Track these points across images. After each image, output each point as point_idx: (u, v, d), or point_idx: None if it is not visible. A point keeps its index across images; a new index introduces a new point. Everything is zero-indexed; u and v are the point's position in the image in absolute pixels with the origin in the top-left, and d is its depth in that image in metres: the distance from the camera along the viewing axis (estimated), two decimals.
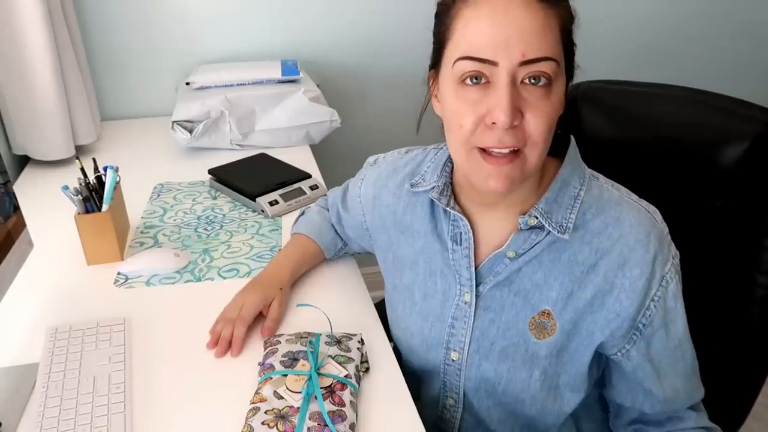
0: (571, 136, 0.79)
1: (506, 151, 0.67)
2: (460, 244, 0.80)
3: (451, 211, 0.80)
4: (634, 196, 0.77)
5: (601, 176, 0.79)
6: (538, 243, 0.76)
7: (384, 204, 0.90)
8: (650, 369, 0.77)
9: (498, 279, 0.78)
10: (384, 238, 0.91)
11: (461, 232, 0.80)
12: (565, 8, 0.68)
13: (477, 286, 0.80)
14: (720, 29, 2.12)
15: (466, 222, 0.79)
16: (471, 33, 0.66)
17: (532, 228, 0.76)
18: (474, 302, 0.80)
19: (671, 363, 0.77)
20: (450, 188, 0.81)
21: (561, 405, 0.80)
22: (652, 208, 0.77)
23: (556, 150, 0.77)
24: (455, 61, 0.67)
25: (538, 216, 0.74)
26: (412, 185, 0.85)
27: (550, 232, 0.75)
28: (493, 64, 0.65)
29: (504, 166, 0.68)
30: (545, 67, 0.65)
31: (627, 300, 0.73)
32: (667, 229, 0.76)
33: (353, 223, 1.00)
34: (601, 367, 0.82)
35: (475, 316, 0.80)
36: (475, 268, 0.80)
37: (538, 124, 0.66)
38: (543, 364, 0.78)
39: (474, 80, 0.67)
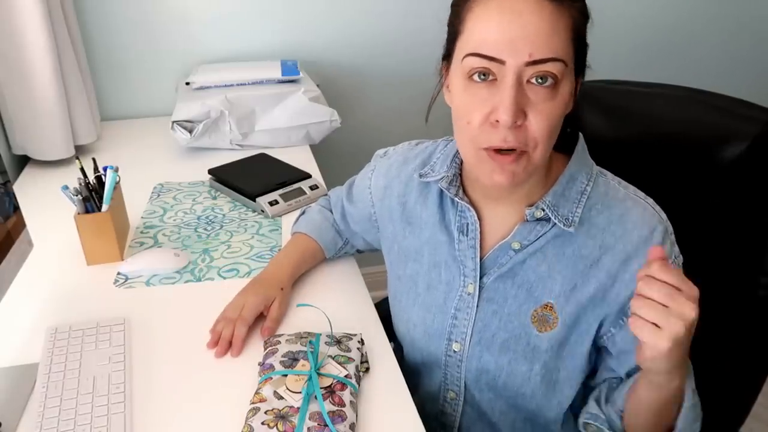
0: (580, 133, 0.80)
1: (510, 149, 0.68)
2: (467, 235, 0.81)
3: (459, 201, 0.81)
4: (641, 194, 0.78)
5: (608, 173, 0.80)
6: (543, 235, 0.77)
7: (394, 194, 0.91)
8: (631, 357, 0.77)
9: (502, 270, 0.79)
10: (390, 229, 0.92)
11: (468, 223, 0.81)
12: (578, 8, 0.68)
13: (481, 277, 0.81)
14: (721, 29, 2.12)
15: (474, 213, 0.80)
16: (481, 30, 0.67)
17: (538, 220, 0.77)
18: (477, 293, 0.81)
19: None
20: (459, 179, 0.83)
21: (560, 400, 0.81)
22: (658, 207, 0.77)
23: (565, 146, 0.78)
24: (464, 57, 0.68)
25: (545, 208, 0.75)
26: (421, 175, 0.86)
27: (555, 224, 0.76)
28: (501, 62, 0.65)
29: (509, 164, 0.69)
30: (552, 67, 0.65)
31: (624, 290, 0.75)
32: (671, 229, 0.77)
33: (360, 216, 1.00)
34: (593, 359, 0.82)
35: (477, 307, 0.81)
36: (480, 260, 0.80)
37: (541, 125, 0.67)
38: (544, 357, 0.78)
39: (482, 77, 0.68)
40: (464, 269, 0.82)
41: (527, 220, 0.77)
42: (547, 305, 0.78)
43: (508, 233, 0.79)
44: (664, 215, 0.77)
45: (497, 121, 0.67)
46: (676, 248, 0.77)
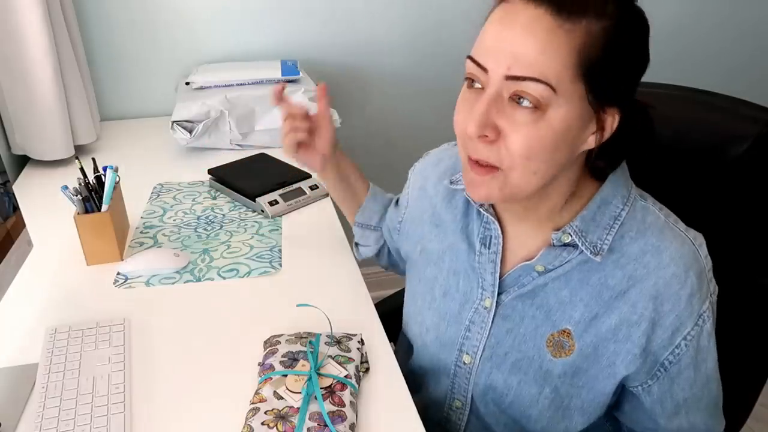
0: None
1: (481, 160, 0.67)
2: (488, 248, 0.79)
3: (485, 213, 0.79)
4: (681, 225, 0.73)
5: (649, 197, 0.76)
6: (568, 261, 0.74)
7: (426, 195, 0.91)
8: (670, 405, 0.75)
9: (522, 291, 0.77)
10: (419, 231, 0.91)
11: (491, 236, 0.79)
12: (590, 32, 0.60)
13: (499, 294, 0.79)
14: (722, 29, 2.12)
15: (498, 226, 0.78)
16: (482, 35, 0.66)
17: (564, 245, 0.74)
18: (494, 309, 0.79)
19: (695, 400, 0.76)
20: None
21: (567, 426, 0.79)
22: (699, 240, 0.73)
23: (601, 173, 0.74)
24: (466, 58, 0.68)
25: (572, 234, 0.72)
26: (451, 182, 0.85)
27: (582, 251, 0.72)
28: (484, 70, 0.64)
29: (480, 176, 0.67)
30: (530, 88, 0.61)
31: (654, 335, 0.71)
32: (710, 264, 0.73)
33: (393, 218, 1.00)
34: (617, 393, 0.79)
35: (492, 323, 0.79)
36: (500, 276, 0.79)
37: (515, 146, 0.64)
38: (555, 383, 0.76)
39: (472, 83, 0.67)
40: (483, 282, 0.80)
41: (553, 245, 0.74)
42: (564, 331, 0.75)
43: (532, 253, 0.76)
44: (704, 251, 0.72)
45: None
46: (713, 284, 0.73)
